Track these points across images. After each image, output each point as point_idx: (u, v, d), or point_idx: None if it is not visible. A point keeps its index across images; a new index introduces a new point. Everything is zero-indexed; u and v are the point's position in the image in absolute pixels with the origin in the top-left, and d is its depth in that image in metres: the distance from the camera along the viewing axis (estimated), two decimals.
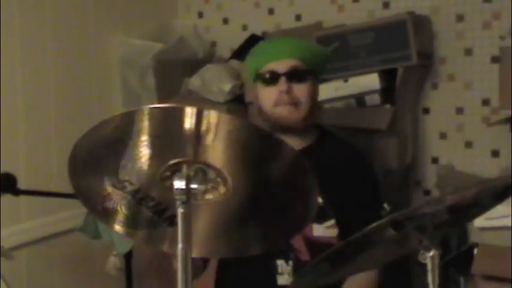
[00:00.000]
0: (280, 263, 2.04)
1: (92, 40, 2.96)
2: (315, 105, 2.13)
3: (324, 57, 2.22)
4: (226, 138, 1.22)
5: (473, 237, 2.37)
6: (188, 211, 1.22)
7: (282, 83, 2.05)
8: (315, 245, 2.05)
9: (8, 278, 1.65)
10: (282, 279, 2.04)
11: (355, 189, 2.08)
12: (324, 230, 2.05)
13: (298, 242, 2.04)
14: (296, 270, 2.03)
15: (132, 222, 1.41)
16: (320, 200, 2.02)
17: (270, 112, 2.08)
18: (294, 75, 2.06)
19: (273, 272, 2.04)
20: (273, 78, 2.07)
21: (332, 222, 2.06)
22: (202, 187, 1.25)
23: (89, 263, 2.75)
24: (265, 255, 1.99)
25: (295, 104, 2.06)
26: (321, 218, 2.04)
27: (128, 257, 2.64)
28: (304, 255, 2.06)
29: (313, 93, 2.11)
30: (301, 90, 2.07)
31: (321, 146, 2.12)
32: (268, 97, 2.08)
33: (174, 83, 3.04)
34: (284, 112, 2.05)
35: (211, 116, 1.18)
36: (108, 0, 3.02)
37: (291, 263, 2.04)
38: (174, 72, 3.05)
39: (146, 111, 1.22)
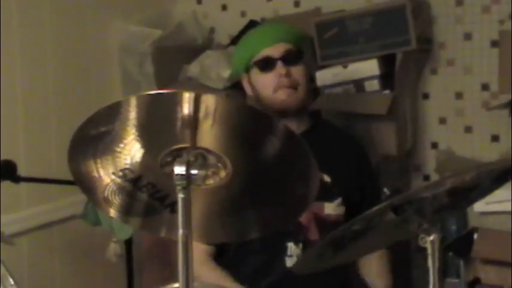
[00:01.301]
0: (290, 245, 2.05)
1: (90, 27, 2.95)
2: (309, 87, 2.17)
3: (308, 40, 2.29)
4: (225, 123, 1.23)
5: (473, 222, 2.38)
6: (188, 196, 1.23)
7: (280, 67, 2.07)
8: (324, 223, 2.08)
9: (8, 265, 1.65)
10: (291, 262, 2.04)
11: (354, 171, 2.14)
12: (333, 208, 2.09)
13: (308, 221, 2.06)
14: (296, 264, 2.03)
15: (130, 209, 1.41)
16: (328, 179, 2.05)
17: (269, 98, 2.09)
18: (289, 59, 2.09)
19: (282, 254, 2.05)
20: (269, 64, 2.09)
21: (340, 200, 2.10)
22: (202, 172, 1.26)
23: (90, 250, 2.76)
24: (275, 237, 2.02)
25: (294, 87, 2.08)
26: (330, 197, 2.08)
27: (129, 243, 2.65)
28: (313, 234, 2.07)
29: (308, 74, 2.15)
30: (298, 72, 2.10)
31: (318, 131, 2.16)
32: (266, 83, 2.09)
33: (172, 69, 3.03)
34: (284, 96, 2.07)
35: (209, 101, 1.18)
36: None
37: (300, 245, 2.05)
38: (173, 59, 3.04)
39: (144, 98, 1.22)
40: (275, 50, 2.09)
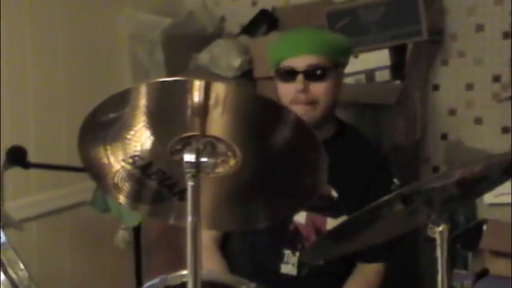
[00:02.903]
0: (287, 252, 2.04)
1: (101, 15, 2.96)
2: (334, 101, 2.06)
3: (347, 49, 2.13)
4: (235, 111, 1.22)
5: (482, 214, 2.37)
6: (198, 184, 1.23)
7: (299, 82, 1.98)
8: None
9: (18, 250, 1.66)
10: (286, 269, 2.04)
11: (371, 188, 2.03)
12: (335, 223, 2.02)
13: (308, 232, 2.04)
14: (301, 261, 2.02)
15: (139, 196, 1.42)
16: (335, 194, 2.03)
17: (287, 106, 2.03)
18: (311, 73, 1.98)
19: (278, 260, 2.04)
20: (290, 76, 2.00)
21: (345, 217, 2.02)
22: (212, 161, 1.26)
23: (98, 236, 2.78)
24: (273, 242, 2.03)
25: (312, 103, 1.99)
26: (335, 213, 2.03)
27: (137, 230, 2.66)
28: None
29: (333, 90, 2.02)
30: (318, 89, 1.99)
31: (339, 141, 2.07)
32: (285, 94, 2.01)
33: (182, 57, 3.03)
34: (300, 111, 1.94)
35: (220, 89, 1.17)
36: None
37: (297, 253, 2.03)
38: (183, 47, 3.04)
39: (154, 85, 1.22)
40: (299, 62, 1.99)
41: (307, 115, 1.97)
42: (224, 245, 2.15)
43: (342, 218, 2.03)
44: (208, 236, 2.06)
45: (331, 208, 2.03)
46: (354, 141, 2.12)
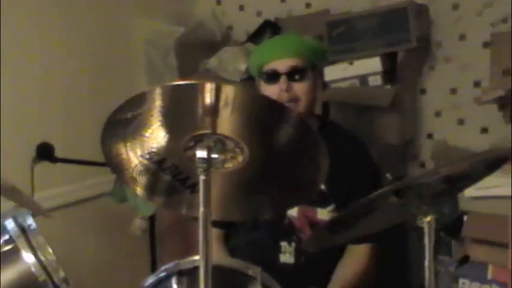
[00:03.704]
0: (284, 244, 2.05)
1: (120, 23, 2.95)
2: (314, 99, 2.08)
3: (322, 53, 2.16)
4: (243, 111, 1.22)
5: (463, 205, 2.37)
6: (209, 178, 1.23)
7: (282, 82, 2.00)
8: None
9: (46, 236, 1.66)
10: (284, 258, 2.05)
11: (356, 178, 2.04)
12: (326, 214, 2.04)
13: (301, 224, 2.05)
14: (298, 250, 2.04)
15: (154, 189, 1.41)
16: (323, 186, 2.02)
17: None
18: (293, 74, 2.01)
19: (277, 251, 2.05)
20: (274, 77, 2.02)
21: (333, 207, 2.05)
22: (221, 156, 1.25)
23: (117, 225, 2.77)
24: (271, 236, 2.04)
25: (295, 100, 2.01)
26: (324, 203, 2.04)
27: (152, 219, 2.66)
28: (306, 236, 2.06)
29: (312, 88, 2.06)
30: (300, 88, 2.02)
31: (321, 135, 2.07)
32: (269, 93, 2.02)
33: (193, 62, 3.02)
34: None
35: (229, 91, 1.17)
36: None
37: (293, 244, 2.05)
38: (194, 53, 3.03)
39: (169, 87, 1.21)
40: (281, 65, 2.02)
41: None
42: (227, 243, 2.15)
43: (330, 207, 2.05)
44: (214, 234, 2.05)
45: (319, 199, 2.03)
46: (336, 135, 2.10)
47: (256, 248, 2.05)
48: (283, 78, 2.01)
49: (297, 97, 2.02)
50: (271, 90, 2.02)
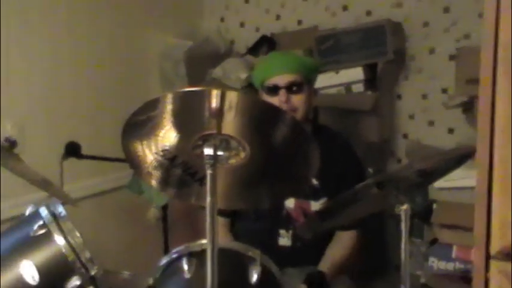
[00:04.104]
0: (281, 231, 2.05)
1: (138, 38, 2.94)
2: (309, 108, 2.08)
3: (315, 69, 2.17)
4: (245, 114, 1.21)
5: (433, 195, 2.37)
6: (215, 172, 1.22)
7: (282, 95, 2.00)
8: None
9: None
10: (283, 241, 2.05)
11: (344, 175, 2.03)
12: (318, 206, 2.04)
13: (297, 214, 2.05)
14: (294, 236, 2.04)
15: (166, 182, 1.41)
16: (315, 182, 2.02)
17: None
18: (291, 88, 2.02)
19: (276, 236, 2.05)
20: (275, 91, 2.02)
21: (325, 200, 2.04)
22: (226, 154, 1.25)
23: (134, 213, 2.76)
24: (271, 224, 2.04)
25: (293, 110, 2.01)
26: (316, 197, 2.04)
27: (165, 208, 2.65)
28: None
29: (308, 99, 2.06)
30: (297, 99, 2.02)
31: (315, 138, 2.06)
32: None
33: (201, 72, 3.01)
34: None
35: (233, 96, 1.16)
36: (150, 8, 2.98)
37: (290, 231, 2.05)
38: (201, 64, 3.02)
39: (180, 93, 1.20)
40: (281, 80, 2.02)
41: None
42: (231, 230, 2.15)
43: (322, 200, 2.04)
44: (220, 221, 2.04)
45: (313, 193, 2.03)
46: (327, 137, 2.10)
47: (258, 234, 2.04)
48: (282, 91, 2.01)
49: (295, 107, 2.02)
50: (272, 101, 2.00)
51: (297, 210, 2.05)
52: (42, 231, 1.60)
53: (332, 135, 2.15)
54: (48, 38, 2.48)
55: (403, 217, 1.43)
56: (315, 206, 2.03)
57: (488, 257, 0.93)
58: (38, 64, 2.45)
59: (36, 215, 1.64)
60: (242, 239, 2.00)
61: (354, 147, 2.17)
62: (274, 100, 2.01)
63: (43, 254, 1.57)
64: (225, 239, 2.04)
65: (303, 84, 2.04)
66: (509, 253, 0.91)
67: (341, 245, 2.04)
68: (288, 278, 1.81)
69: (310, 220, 1.75)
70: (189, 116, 1.22)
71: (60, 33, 2.53)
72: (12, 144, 1.79)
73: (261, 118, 1.22)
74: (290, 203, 2.04)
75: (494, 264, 0.93)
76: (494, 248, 0.93)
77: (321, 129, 2.14)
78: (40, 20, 2.44)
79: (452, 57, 2.73)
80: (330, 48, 2.74)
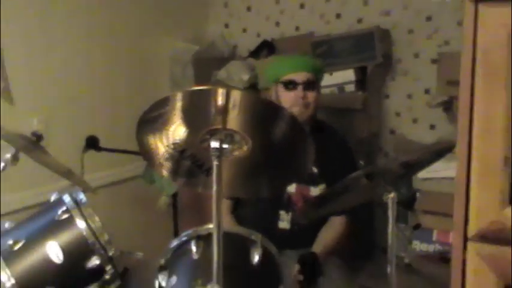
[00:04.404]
0: (282, 213, 2.04)
1: (150, 43, 2.93)
2: (318, 105, 2.08)
3: (323, 69, 2.18)
4: (248, 111, 1.21)
5: (417, 185, 2.37)
6: (220, 164, 1.22)
7: (299, 90, 2.00)
8: None
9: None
10: (282, 225, 2.04)
11: (340, 164, 2.03)
12: (317, 191, 2.04)
13: (297, 198, 2.04)
14: (293, 220, 2.03)
15: (176, 172, 1.40)
16: (315, 170, 2.02)
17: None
18: (308, 85, 2.02)
19: (276, 218, 2.04)
20: (292, 85, 2.01)
21: (323, 186, 2.04)
22: (230, 147, 1.25)
23: (147, 200, 2.76)
24: (272, 207, 2.03)
25: (306, 106, 2.01)
26: (315, 183, 2.03)
27: (174, 196, 2.65)
28: None
29: (318, 96, 2.07)
30: (311, 96, 2.02)
31: (318, 132, 2.06)
32: (287, 99, 2.02)
33: (207, 74, 3.00)
34: (297, 112, 1.98)
35: (237, 95, 1.16)
36: (162, 16, 2.97)
37: (290, 213, 2.04)
38: (207, 66, 3.01)
39: (189, 92, 1.21)
40: (299, 76, 2.01)
41: (302, 114, 2.00)
42: (234, 214, 2.14)
43: (321, 186, 2.04)
44: (224, 206, 2.04)
45: (312, 180, 2.03)
46: (326, 132, 2.11)
47: (260, 217, 2.03)
48: (300, 87, 2.01)
49: (309, 103, 2.02)
50: (288, 96, 2.02)
51: (297, 194, 2.04)
52: (65, 216, 1.61)
53: (330, 130, 2.16)
54: (70, 43, 2.48)
55: (390, 205, 1.43)
56: (314, 191, 2.03)
57: (465, 240, 0.93)
58: (60, 67, 2.45)
59: (60, 202, 1.65)
60: (245, 222, 2.01)
61: (348, 141, 2.18)
62: (291, 95, 2.01)
63: (66, 236, 1.58)
64: (226, 218, 2.03)
65: (315, 82, 2.05)
66: (484, 235, 0.92)
67: (333, 229, 2.05)
68: (286, 259, 1.82)
69: (307, 207, 1.75)
70: (196, 113, 1.22)
71: (81, 38, 2.53)
72: (38, 138, 1.79)
73: (262, 115, 1.22)
74: (291, 187, 2.03)
75: (471, 246, 0.93)
76: (471, 231, 0.93)
77: (321, 125, 2.14)
78: (62, 26, 2.44)
79: (434, 61, 2.72)
80: (324, 52, 2.73)
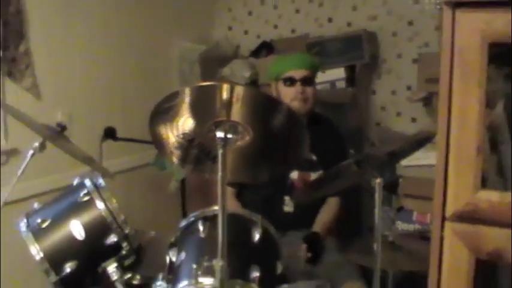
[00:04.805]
0: (286, 198, 2.02)
1: (161, 43, 2.93)
2: (316, 99, 2.06)
3: (319, 66, 2.16)
4: (250, 104, 1.21)
5: (400, 171, 2.37)
6: (225, 152, 1.22)
7: (298, 86, 1.98)
8: None
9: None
10: (287, 208, 2.02)
11: (335, 152, 2.02)
12: (315, 176, 2.01)
13: (299, 183, 2.03)
14: (295, 198, 2.01)
15: (185, 159, 1.40)
16: (314, 157, 2.01)
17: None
18: (306, 81, 1.99)
19: (281, 203, 2.02)
20: (292, 82, 1.99)
21: (320, 171, 2.02)
22: (234, 137, 1.24)
23: (158, 185, 2.77)
24: (277, 192, 2.01)
25: (305, 100, 1.99)
26: (314, 169, 2.02)
27: (183, 181, 2.65)
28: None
29: (315, 91, 2.05)
30: (309, 91, 2.00)
31: (316, 124, 2.06)
32: (287, 94, 2.00)
33: (212, 71, 2.99)
34: (297, 106, 1.97)
35: (240, 90, 1.16)
36: (171, 19, 2.96)
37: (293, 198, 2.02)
38: (213, 65, 3.00)
39: (195, 88, 1.21)
40: (297, 73, 1.99)
41: (302, 108, 1.99)
42: (239, 199, 2.11)
43: (319, 172, 2.02)
44: (229, 192, 2.03)
45: (312, 167, 2.02)
46: (323, 123, 2.11)
47: (266, 202, 2.01)
48: (298, 84, 1.98)
49: (307, 97, 2.00)
50: (288, 92, 2.00)
51: (299, 180, 2.02)
52: (86, 198, 1.62)
53: (327, 122, 2.15)
54: (90, 44, 2.47)
55: (376, 189, 1.42)
56: (314, 176, 2.02)
57: (443, 219, 0.94)
58: (81, 65, 2.44)
59: (81, 185, 1.65)
60: (252, 206, 2.00)
61: (341, 132, 2.17)
62: (291, 91, 1.99)
63: (87, 216, 1.60)
64: (233, 206, 2.03)
65: (313, 78, 2.03)
66: (460, 215, 0.93)
67: (330, 209, 2.04)
68: (289, 238, 1.83)
69: (304, 189, 1.76)
70: (203, 106, 1.22)
71: (100, 40, 2.52)
72: (62, 128, 1.79)
73: (262, 108, 1.22)
74: (294, 174, 2.01)
75: (448, 225, 0.94)
76: (448, 212, 0.94)
77: (319, 118, 2.13)
78: (83, 30, 2.43)
79: (415, 61, 2.73)
80: (317, 52, 2.72)
